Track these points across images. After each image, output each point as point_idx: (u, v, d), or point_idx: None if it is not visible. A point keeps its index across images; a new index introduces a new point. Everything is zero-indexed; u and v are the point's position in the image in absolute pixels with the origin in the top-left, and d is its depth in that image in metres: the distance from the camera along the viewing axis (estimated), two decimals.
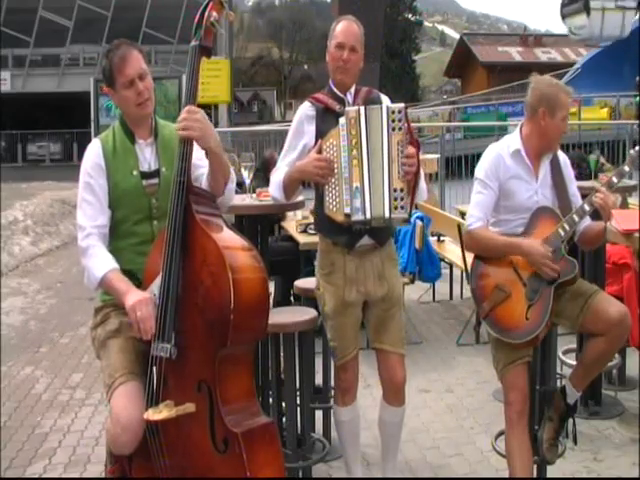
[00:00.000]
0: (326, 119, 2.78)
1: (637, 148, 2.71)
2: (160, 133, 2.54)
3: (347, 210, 2.63)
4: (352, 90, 2.86)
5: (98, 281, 2.37)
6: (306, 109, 2.87)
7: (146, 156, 2.50)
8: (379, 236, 2.81)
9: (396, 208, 2.60)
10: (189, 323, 2.22)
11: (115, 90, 2.43)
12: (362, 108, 2.66)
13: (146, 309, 2.21)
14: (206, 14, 2.36)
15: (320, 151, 2.69)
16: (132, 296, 2.26)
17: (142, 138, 2.51)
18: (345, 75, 2.82)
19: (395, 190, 2.60)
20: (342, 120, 2.66)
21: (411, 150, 2.63)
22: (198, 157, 2.41)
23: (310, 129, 2.83)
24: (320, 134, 2.76)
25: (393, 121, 2.61)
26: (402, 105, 2.66)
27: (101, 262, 2.37)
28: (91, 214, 2.43)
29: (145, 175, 2.48)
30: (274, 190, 2.86)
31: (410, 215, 2.71)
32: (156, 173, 2.49)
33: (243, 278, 2.18)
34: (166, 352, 2.20)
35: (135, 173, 2.47)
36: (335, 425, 3.03)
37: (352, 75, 2.83)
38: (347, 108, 2.70)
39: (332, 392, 3.68)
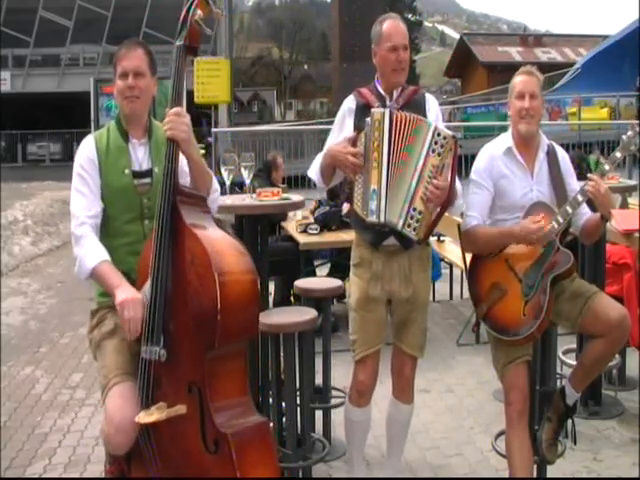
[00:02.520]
0: (363, 115, 2.77)
1: (629, 133, 2.69)
2: (155, 134, 2.54)
3: (363, 210, 2.66)
4: (399, 88, 2.86)
5: (89, 272, 2.36)
6: (349, 102, 2.89)
7: (139, 155, 2.51)
8: (405, 238, 2.75)
9: (409, 226, 2.61)
10: (178, 325, 2.21)
11: (115, 80, 2.48)
12: (387, 111, 2.65)
13: (134, 309, 2.21)
14: (190, 12, 2.34)
15: (355, 143, 2.70)
16: (123, 292, 2.25)
17: (136, 137, 2.52)
18: (401, 76, 2.83)
19: (414, 209, 2.60)
20: (367, 120, 2.67)
21: (442, 183, 2.59)
22: (185, 164, 2.41)
23: (349, 122, 2.85)
24: (356, 129, 2.77)
25: (436, 143, 2.60)
26: (451, 134, 2.64)
27: (93, 253, 2.37)
28: (85, 204, 2.43)
29: (137, 174, 2.48)
30: (313, 173, 2.89)
31: (420, 241, 2.69)
32: (148, 173, 2.50)
33: (231, 279, 2.17)
34: (155, 355, 2.20)
35: (127, 172, 2.47)
36: (344, 422, 3.02)
37: (406, 73, 2.85)
38: (373, 109, 2.70)
39: (332, 392, 3.69)
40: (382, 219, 2.62)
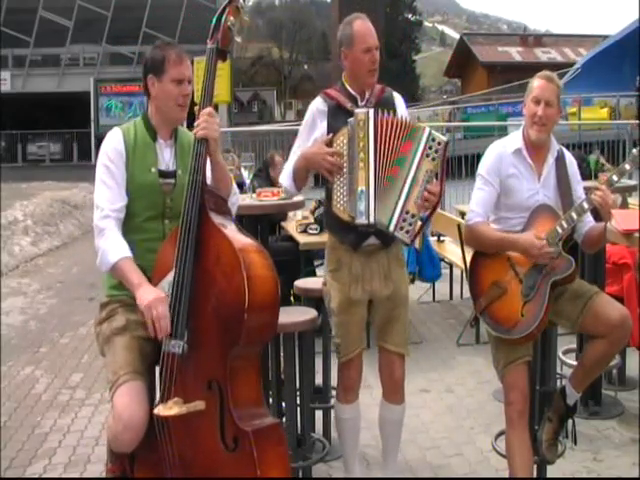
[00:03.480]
0: (337, 116, 2.77)
1: None
2: (179, 138, 2.57)
3: (351, 212, 2.63)
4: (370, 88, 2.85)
5: (111, 265, 2.37)
6: (318, 104, 2.86)
7: (165, 156, 2.53)
8: (386, 237, 2.78)
9: (402, 229, 2.60)
10: (201, 321, 2.23)
11: (160, 81, 2.46)
12: (371, 111, 2.64)
13: (162, 308, 2.22)
14: (223, 18, 2.40)
15: (330, 145, 2.69)
16: (146, 293, 2.26)
17: (163, 138, 2.54)
18: (375, 76, 2.83)
19: (407, 212, 2.60)
20: (351, 121, 2.66)
21: (435, 188, 2.61)
22: (207, 168, 2.44)
23: (322, 124, 2.82)
24: (331, 131, 2.76)
25: (430, 148, 2.60)
26: (444, 139, 2.65)
27: (116, 247, 2.37)
28: (110, 197, 2.43)
29: (162, 174, 2.50)
30: (284, 179, 2.87)
31: (412, 242, 2.69)
32: (173, 174, 2.52)
33: (257, 278, 2.20)
34: (179, 349, 2.21)
35: (153, 170, 2.49)
36: (335, 422, 3.03)
37: (377, 73, 2.83)
38: (357, 110, 2.69)
39: (332, 392, 3.68)
40: (372, 220, 2.60)
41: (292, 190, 2.88)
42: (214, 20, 2.42)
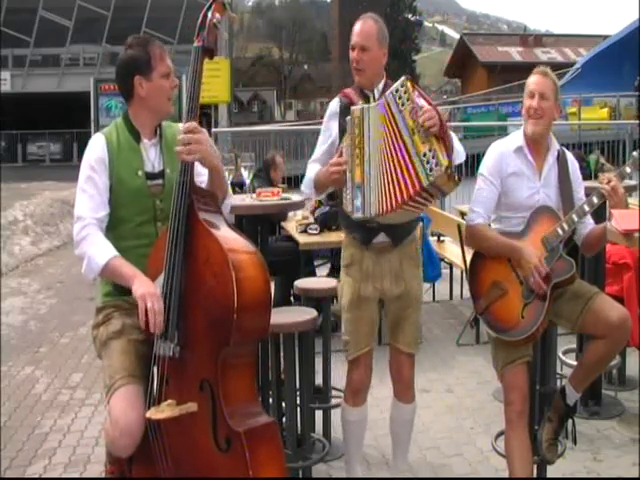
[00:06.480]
0: (347, 115, 2.75)
1: None
2: (164, 134, 2.51)
3: (349, 208, 2.63)
4: (380, 86, 2.82)
5: (100, 268, 2.29)
6: (333, 105, 2.89)
7: (150, 156, 2.47)
8: (394, 235, 2.79)
9: (431, 170, 2.42)
10: (192, 322, 2.22)
11: (149, 78, 2.41)
12: (366, 107, 2.63)
13: (157, 304, 2.18)
14: (209, 15, 2.36)
15: (341, 154, 2.68)
16: (143, 284, 2.22)
17: (147, 138, 2.48)
18: (360, 76, 2.82)
19: (424, 155, 2.43)
20: (348, 119, 2.66)
21: (426, 108, 2.44)
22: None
23: (334, 125, 2.84)
24: (342, 130, 2.76)
25: (400, 98, 2.52)
26: (402, 78, 2.53)
27: (103, 249, 2.31)
28: (92, 206, 2.37)
29: (150, 176, 2.45)
30: (305, 186, 2.89)
31: (449, 166, 2.43)
32: (160, 174, 2.47)
33: (246, 278, 2.18)
34: (170, 351, 2.20)
35: (140, 173, 2.43)
36: (341, 423, 3.03)
37: (367, 74, 2.81)
38: (352, 107, 2.69)
39: (332, 392, 3.69)
40: (367, 214, 2.57)
41: (312, 196, 2.96)
42: (200, 18, 2.37)
